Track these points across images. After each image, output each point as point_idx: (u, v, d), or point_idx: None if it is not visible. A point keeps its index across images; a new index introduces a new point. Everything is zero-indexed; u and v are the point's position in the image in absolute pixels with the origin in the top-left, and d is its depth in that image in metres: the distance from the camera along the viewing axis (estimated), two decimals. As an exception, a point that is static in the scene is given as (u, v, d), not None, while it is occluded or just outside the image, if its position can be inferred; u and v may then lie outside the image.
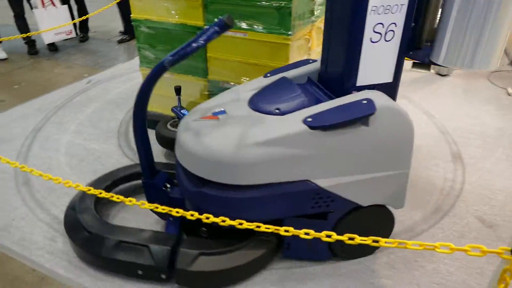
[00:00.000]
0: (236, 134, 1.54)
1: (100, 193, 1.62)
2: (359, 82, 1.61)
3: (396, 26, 1.52)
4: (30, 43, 4.79)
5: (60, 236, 1.94)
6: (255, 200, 1.55)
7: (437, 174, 2.45)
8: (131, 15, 2.56)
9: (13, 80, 4.00)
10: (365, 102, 1.51)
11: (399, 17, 1.51)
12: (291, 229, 1.33)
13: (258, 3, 2.15)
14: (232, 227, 1.41)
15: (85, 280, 1.70)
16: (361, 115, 1.47)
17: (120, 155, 2.63)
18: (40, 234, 1.96)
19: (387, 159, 1.58)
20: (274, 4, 2.12)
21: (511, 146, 2.76)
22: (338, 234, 1.43)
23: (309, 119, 1.50)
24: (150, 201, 1.72)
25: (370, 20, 1.48)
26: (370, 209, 1.69)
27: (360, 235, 1.55)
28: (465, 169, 2.51)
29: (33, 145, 2.76)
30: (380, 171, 1.59)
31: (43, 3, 4.58)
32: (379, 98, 1.53)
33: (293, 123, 1.51)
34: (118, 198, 1.58)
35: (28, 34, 4.07)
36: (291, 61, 2.26)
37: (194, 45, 1.48)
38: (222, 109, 1.71)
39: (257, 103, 1.70)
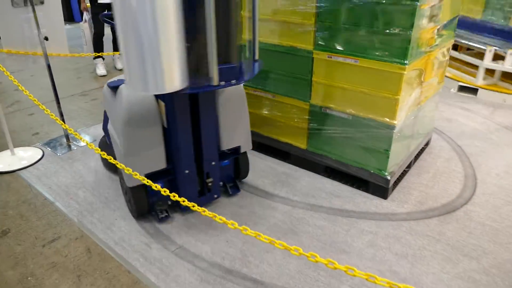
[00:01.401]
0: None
1: None
2: None
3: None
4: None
5: (154, 243, 2.02)
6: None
7: None
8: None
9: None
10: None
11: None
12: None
13: (375, 29, 2.05)
14: None
15: (173, 291, 1.73)
16: (110, 85, 2.19)
17: (215, 170, 2.69)
18: (137, 237, 2.06)
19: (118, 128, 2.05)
20: (393, 30, 2.00)
21: None
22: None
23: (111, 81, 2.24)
24: None
25: None
26: None
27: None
28: None
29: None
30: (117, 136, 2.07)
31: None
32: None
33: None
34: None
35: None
36: (402, 93, 2.10)
37: None
38: None
39: None
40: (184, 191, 2.12)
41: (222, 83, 1.74)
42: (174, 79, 1.58)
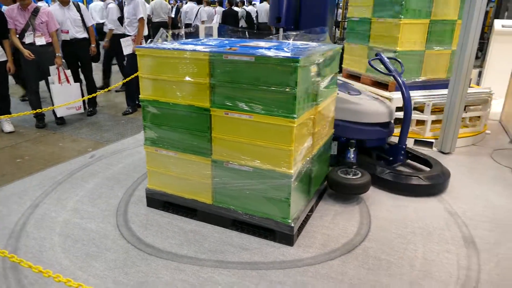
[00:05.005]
0: None
1: None
2: None
3: None
4: (39, 116, 4.91)
5: (44, 331, 1.77)
6: None
7: (450, 261, 2.32)
8: (138, 95, 2.63)
9: (17, 154, 4.02)
10: None
11: None
12: None
13: (265, 87, 2.21)
14: None
15: None
16: None
17: (117, 236, 2.52)
18: (22, 328, 1.79)
19: None
20: (279, 89, 2.18)
21: (525, 231, 2.65)
22: None
23: None
24: None
25: None
26: None
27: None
28: (480, 255, 2.38)
29: (27, 223, 2.65)
30: None
31: (59, 80, 4.80)
32: None
33: None
34: None
35: (46, 109, 4.15)
36: (295, 143, 2.26)
37: None
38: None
39: None
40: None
41: None
42: None
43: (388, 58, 3.53)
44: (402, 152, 3.44)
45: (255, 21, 12.35)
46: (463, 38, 3.60)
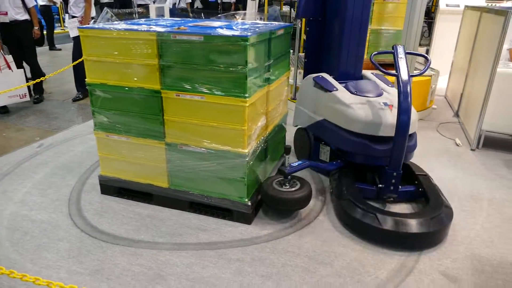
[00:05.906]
0: None
1: None
2: None
3: None
4: (-22, 106, 4.59)
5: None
6: None
7: (399, 229, 2.46)
8: (85, 78, 2.52)
9: (-44, 146, 3.74)
10: None
11: None
12: None
13: (215, 67, 2.19)
14: None
15: None
16: None
17: (70, 225, 2.44)
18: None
19: None
20: (230, 68, 2.17)
21: (465, 197, 2.85)
22: None
23: None
24: None
25: None
26: None
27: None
28: (425, 222, 2.54)
29: (-29, 218, 2.51)
30: None
31: None
32: None
33: None
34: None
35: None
36: (248, 123, 2.27)
37: None
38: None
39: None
40: None
41: None
42: None
43: (410, 53, 2.69)
44: (393, 180, 2.51)
45: (219, 1, 12.12)
46: (409, 16, 3.73)
